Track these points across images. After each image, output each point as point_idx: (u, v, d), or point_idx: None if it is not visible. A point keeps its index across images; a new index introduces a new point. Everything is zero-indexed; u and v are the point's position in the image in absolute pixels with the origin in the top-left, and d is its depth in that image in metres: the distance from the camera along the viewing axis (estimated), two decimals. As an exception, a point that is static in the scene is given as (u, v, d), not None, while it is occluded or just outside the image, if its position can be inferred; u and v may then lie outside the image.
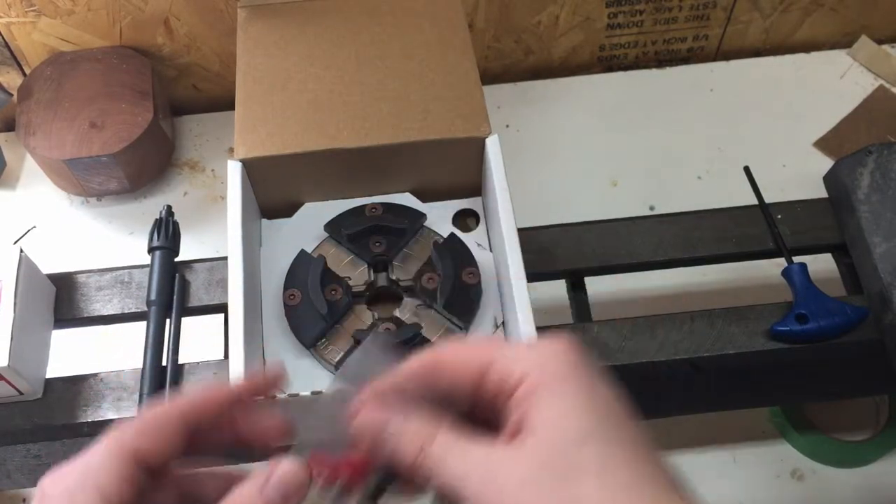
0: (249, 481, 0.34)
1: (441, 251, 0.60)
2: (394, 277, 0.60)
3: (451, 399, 0.36)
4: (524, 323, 0.53)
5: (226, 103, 0.88)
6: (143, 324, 0.61)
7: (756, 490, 0.73)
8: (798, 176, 0.83)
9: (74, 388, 0.59)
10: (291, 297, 0.59)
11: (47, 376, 0.60)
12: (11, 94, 0.86)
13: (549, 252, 0.65)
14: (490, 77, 0.96)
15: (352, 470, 0.35)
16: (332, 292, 0.59)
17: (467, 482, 0.31)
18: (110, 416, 0.58)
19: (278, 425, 0.38)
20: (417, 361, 0.36)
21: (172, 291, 0.62)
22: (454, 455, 0.33)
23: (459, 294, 0.58)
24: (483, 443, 0.33)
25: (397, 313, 0.59)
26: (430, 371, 0.35)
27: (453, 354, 0.35)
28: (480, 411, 0.35)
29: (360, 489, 0.36)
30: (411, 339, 0.56)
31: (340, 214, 0.63)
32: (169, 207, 0.65)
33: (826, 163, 0.78)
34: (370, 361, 0.37)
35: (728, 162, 0.84)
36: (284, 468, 0.34)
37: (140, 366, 0.59)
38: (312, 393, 0.52)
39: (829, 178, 0.68)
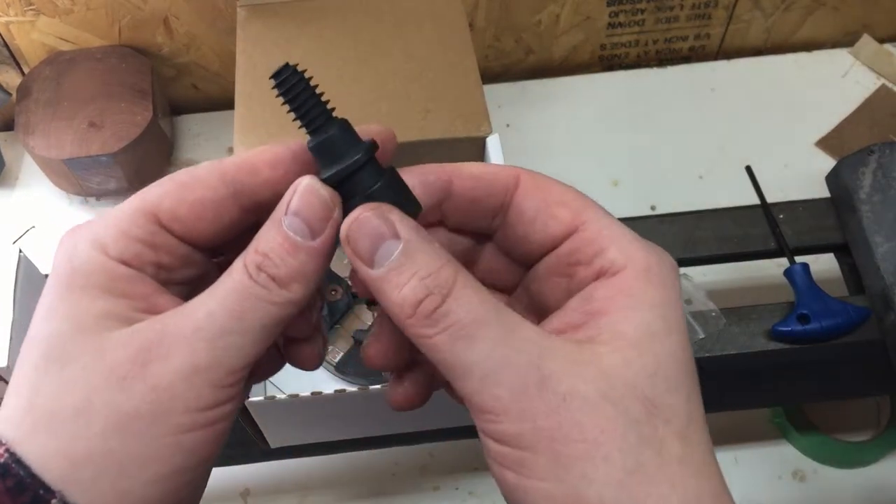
0: (269, 220, 0.28)
1: (441, 251, 0.60)
2: (394, 277, 0.60)
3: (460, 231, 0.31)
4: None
5: (225, 103, 0.88)
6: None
7: (758, 490, 0.73)
8: (800, 175, 0.83)
9: (73, 388, 0.59)
10: (291, 298, 0.58)
11: (46, 377, 0.59)
12: (10, 94, 0.86)
13: (549, 252, 0.65)
14: (490, 76, 0.96)
15: None
16: (333, 293, 0.58)
17: (489, 365, 0.25)
18: (109, 416, 0.58)
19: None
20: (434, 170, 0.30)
21: (172, 292, 0.62)
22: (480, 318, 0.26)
23: (460, 294, 0.58)
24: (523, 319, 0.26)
25: (397, 313, 0.59)
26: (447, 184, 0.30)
27: (483, 174, 0.29)
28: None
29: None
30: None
31: (340, 214, 0.63)
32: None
33: (828, 162, 0.78)
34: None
35: (729, 161, 0.84)
36: (303, 187, 0.28)
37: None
38: (312, 393, 0.52)
39: (831, 178, 0.68)
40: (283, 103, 0.29)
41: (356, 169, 0.28)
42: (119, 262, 0.27)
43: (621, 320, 0.26)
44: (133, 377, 0.25)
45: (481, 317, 0.25)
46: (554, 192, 0.29)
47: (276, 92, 0.29)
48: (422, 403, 0.31)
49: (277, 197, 0.28)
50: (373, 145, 0.29)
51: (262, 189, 0.29)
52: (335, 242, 0.28)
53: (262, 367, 0.32)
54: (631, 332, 0.25)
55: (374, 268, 0.27)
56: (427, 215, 0.30)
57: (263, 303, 0.26)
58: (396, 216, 0.27)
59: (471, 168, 0.30)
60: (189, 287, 0.29)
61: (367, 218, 0.27)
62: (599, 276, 0.27)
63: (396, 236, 0.27)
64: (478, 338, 0.25)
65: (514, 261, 0.31)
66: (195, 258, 0.29)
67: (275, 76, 0.29)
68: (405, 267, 0.26)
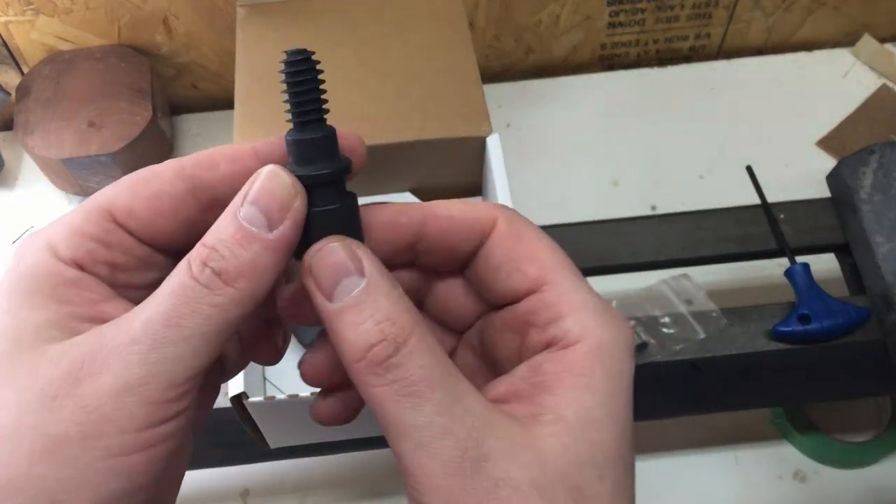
0: (223, 212, 0.26)
1: (441, 251, 0.60)
2: (394, 278, 0.60)
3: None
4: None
5: (225, 102, 0.87)
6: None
7: (758, 491, 0.72)
8: (801, 175, 0.83)
9: (72, 388, 0.58)
10: (291, 298, 0.58)
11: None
12: (9, 94, 0.85)
13: (550, 252, 0.65)
14: (490, 76, 0.96)
15: None
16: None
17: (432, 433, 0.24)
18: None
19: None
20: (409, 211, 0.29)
21: (171, 292, 0.62)
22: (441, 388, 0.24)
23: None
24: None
25: (397, 314, 0.59)
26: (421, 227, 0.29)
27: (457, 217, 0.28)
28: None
29: None
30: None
31: (340, 214, 0.63)
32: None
33: (829, 162, 0.78)
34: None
35: (730, 161, 0.84)
36: (265, 173, 0.26)
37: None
38: (312, 393, 0.52)
39: (831, 178, 0.68)
40: (284, 83, 0.28)
41: (319, 183, 0.27)
42: (69, 264, 0.26)
43: (564, 403, 0.25)
44: (63, 396, 0.23)
45: (433, 376, 0.24)
46: (527, 245, 0.28)
47: (281, 73, 0.28)
48: (348, 421, 0.30)
49: (236, 193, 0.26)
50: (347, 166, 0.28)
51: (220, 184, 0.27)
52: (294, 239, 0.26)
53: (227, 362, 0.31)
54: (571, 417, 0.25)
55: (333, 301, 0.25)
56: (397, 256, 0.29)
57: (203, 306, 0.24)
58: (364, 253, 0.26)
59: (448, 209, 0.29)
60: (151, 292, 0.27)
61: (333, 249, 0.26)
62: (551, 344, 0.27)
63: (361, 273, 0.25)
64: (424, 398, 0.24)
65: (473, 299, 0.30)
66: (156, 260, 0.28)
67: (290, 54, 0.27)
68: (364, 306, 0.25)
